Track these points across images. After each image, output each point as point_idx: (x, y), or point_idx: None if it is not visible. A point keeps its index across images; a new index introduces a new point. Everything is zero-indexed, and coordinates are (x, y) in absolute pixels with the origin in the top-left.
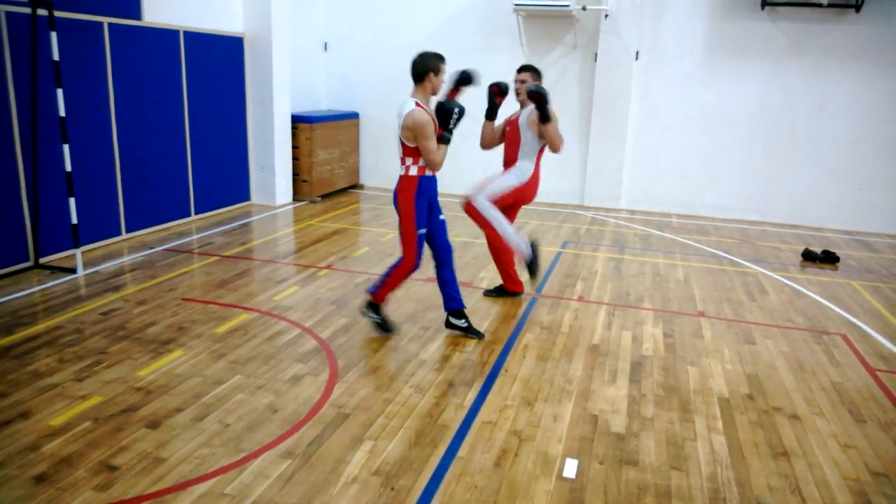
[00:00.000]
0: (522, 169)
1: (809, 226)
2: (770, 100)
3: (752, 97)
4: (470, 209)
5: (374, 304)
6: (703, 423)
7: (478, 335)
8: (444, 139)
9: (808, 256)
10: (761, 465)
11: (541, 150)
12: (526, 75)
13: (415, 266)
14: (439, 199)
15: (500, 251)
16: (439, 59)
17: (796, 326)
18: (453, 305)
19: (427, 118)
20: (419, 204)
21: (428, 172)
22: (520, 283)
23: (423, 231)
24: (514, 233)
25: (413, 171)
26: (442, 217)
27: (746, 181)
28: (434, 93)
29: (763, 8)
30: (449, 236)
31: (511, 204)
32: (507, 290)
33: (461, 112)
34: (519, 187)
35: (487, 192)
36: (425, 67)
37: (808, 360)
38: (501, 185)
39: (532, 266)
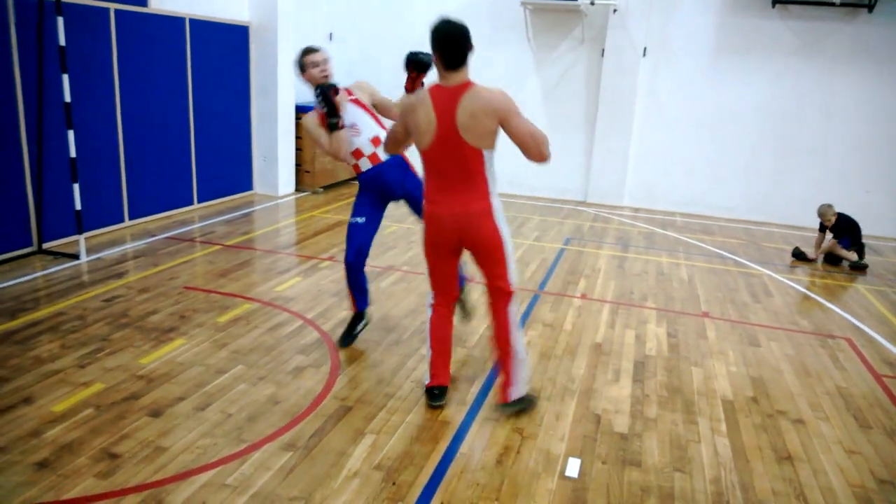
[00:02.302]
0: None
1: (815, 227)
2: (778, 99)
3: (759, 96)
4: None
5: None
6: (707, 425)
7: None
8: (330, 126)
9: (831, 259)
10: (765, 469)
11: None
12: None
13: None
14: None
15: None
16: (303, 53)
17: (801, 329)
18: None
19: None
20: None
21: (363, 165)
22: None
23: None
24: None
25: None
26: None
27: (752, 181)
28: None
29: (774, 6)
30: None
31: None
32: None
33: (321, 92)
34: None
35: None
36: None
37: (812, 364)
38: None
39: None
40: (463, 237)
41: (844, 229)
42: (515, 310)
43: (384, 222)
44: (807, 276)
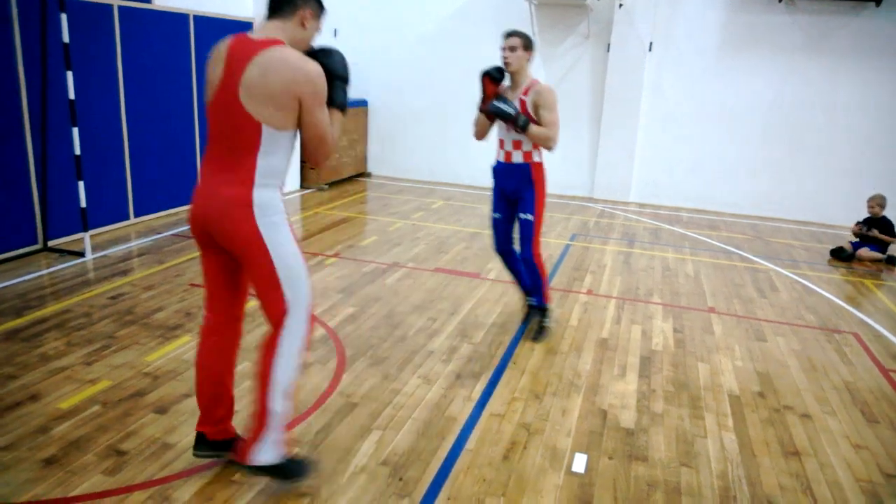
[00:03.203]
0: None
1: (822, 223)
2: (785, 94)
3: (766, 91)
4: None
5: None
6: (714, 420)
7: None
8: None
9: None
10: (772, 464)
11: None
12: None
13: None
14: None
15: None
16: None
17: (808, 324)
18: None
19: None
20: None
21: (498, 156)
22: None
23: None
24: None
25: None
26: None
27: (759, 176)
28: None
29: (780, 1)
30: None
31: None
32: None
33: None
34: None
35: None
36: None
37: (819, 359)
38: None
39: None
40: (212, 231)
41: (884, 230)
42: (288, 340)
43: (391, 219)
44: (813, 272)
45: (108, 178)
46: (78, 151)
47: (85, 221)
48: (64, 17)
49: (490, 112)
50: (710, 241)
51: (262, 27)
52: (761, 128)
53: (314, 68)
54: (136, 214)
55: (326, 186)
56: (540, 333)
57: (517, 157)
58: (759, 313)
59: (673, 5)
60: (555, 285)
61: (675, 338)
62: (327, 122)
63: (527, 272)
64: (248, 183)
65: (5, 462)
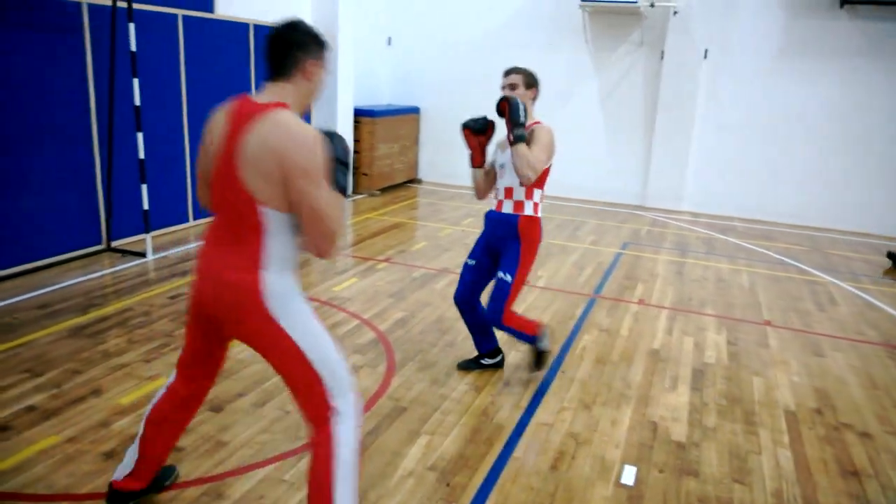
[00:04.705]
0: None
1: (883, 235)
2: (845, 102)
3: (826, 99)
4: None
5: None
6: (768, 437)
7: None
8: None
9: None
10: (829, 484)
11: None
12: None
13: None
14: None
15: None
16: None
17: (868, 340)
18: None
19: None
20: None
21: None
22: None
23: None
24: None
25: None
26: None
27: (817, 186)
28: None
29: (842, 6)
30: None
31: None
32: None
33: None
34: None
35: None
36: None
37: (880, 376)
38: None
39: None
40: (222, 320)
41: None
42: (342, 447)
43: (441, 224)
44: (874, 286)
45: (170, 181)
46: (142, 156)
47: (147, 223)
48: (132, 26)
49: (502, 105)
50: (765, 251)
51: (266, 89)
52: (820, 135)
53: (312, 135)
54: (196, 217)
55: (378, 192)
56: (539, 361)
57: (507, 207)
58: (817, 327)
59: (729, 12)
60: (605, 294)
61: (728, 350)
62: (329, 200)
63: (490, 332)
64: (255, 268)
65: (69, 454)
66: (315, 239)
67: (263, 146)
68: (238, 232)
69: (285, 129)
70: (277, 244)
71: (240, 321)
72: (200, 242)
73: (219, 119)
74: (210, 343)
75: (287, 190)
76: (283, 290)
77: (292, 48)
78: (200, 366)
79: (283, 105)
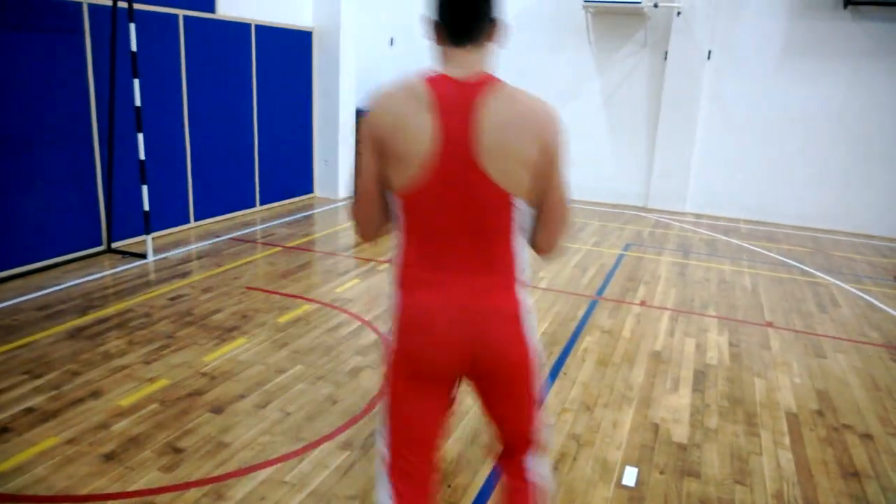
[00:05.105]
0: None
1: (886, 236)
2: (849, 103)
3: (829, 100)
4: None
5: None
6: (770, 438)
7: None
8: None
9: None
10: (830, 485)
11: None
12: None
13: None
14: None
15: None
16: None
17: (870, 341)
18: None
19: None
20: None
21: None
22: None
23: None
24: None
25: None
26: None
27: (820, 188)
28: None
29: (846, 7)
30: None
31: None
32: None
33: None
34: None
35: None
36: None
37: (882, 378)
38: None
39: None
40: (476, 355)
41: None
42: (545, 472)
43: None
44: (877, 287)
45: (171, 182)
46: (143, 157)
47: (147, 224)
48: (132, 26)
49: None
50: (768, 253)
51: (453, 58)
52: (824, 137)
53: (555, 110)
54: (196, 218)
55: None
56: None
57: None
58: (820, 329)
59: (733, 13)
60: (607, 296)
61: (730, 352)
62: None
63: None
64: (511, 284)
65: (68, 455)
66: (555, 233)
67: (516, 127)
68: (482, 243)
69: (538, 105)
70: (521, 247)
71: (505, 351)
72: (410, 278)
73: (408, 103)
74: (432, 406)
75: (535, 176)
76: (530, 308)
77: (484, 5)
78: (422, 448)
79: (495, 79)
